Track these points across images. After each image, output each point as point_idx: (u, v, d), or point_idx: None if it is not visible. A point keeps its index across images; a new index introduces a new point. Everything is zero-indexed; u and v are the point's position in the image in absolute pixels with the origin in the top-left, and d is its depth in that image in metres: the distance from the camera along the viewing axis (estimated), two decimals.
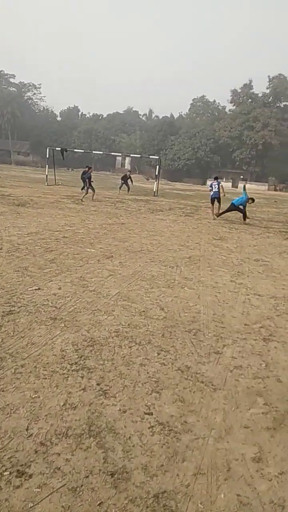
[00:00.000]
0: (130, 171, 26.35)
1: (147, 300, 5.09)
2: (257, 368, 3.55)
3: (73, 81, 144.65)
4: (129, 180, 24.60)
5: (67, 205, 15.25)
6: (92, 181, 18.94)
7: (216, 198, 15.03)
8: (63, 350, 3.54)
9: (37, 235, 8.79)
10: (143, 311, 4.67)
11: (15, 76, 77.80)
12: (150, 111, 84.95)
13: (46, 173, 26.22)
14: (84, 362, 3.36)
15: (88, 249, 7.80)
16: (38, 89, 79.49)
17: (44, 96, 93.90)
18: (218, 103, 72.00)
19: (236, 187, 48.46)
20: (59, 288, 5.25)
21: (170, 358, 3.59)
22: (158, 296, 5.28)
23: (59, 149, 27.47)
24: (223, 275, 6.69)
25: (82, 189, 20.48)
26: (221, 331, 4.31)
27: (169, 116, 76.26)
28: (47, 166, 26.76)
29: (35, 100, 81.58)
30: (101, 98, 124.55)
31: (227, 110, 68.73)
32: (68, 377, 3.13)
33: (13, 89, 77.35)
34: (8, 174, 36.21)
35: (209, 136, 60.26)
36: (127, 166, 67.06)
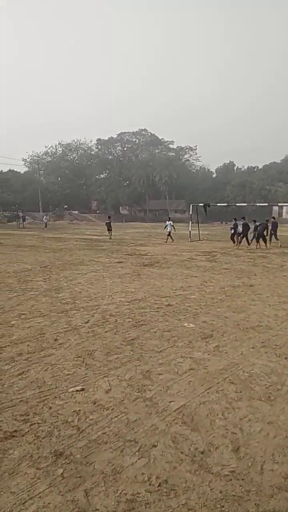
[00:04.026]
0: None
1: (219, 426, 3.23)
2: None
3: (228, 136, 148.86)
4: None
5: (198, 263, 14.00)
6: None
7: None
8: None
9: (140, 302, 7.70)
10: (201, 453, 2.86)
11: (173, 142, 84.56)
12: None
13: (190, 229, 25.98)
14: None
15: (186, 324, 6.25)
16: (194, 151, 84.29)
17: (200, 157, 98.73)
18: None
19: None
20: (107, 391, 3.86)
21: None
22: (242, 418, 3.35)
23: (202, 204, 27.05)
24: None
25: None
26: None
27: None
28: (190, 222, 26.54)
29: (191, 161, 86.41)
30: (257, 149, 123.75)
31: None
32: None
33: (172, 153, 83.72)
34: (159, 232, 37.58)
35: None
36: (285, 215, 63.08)
